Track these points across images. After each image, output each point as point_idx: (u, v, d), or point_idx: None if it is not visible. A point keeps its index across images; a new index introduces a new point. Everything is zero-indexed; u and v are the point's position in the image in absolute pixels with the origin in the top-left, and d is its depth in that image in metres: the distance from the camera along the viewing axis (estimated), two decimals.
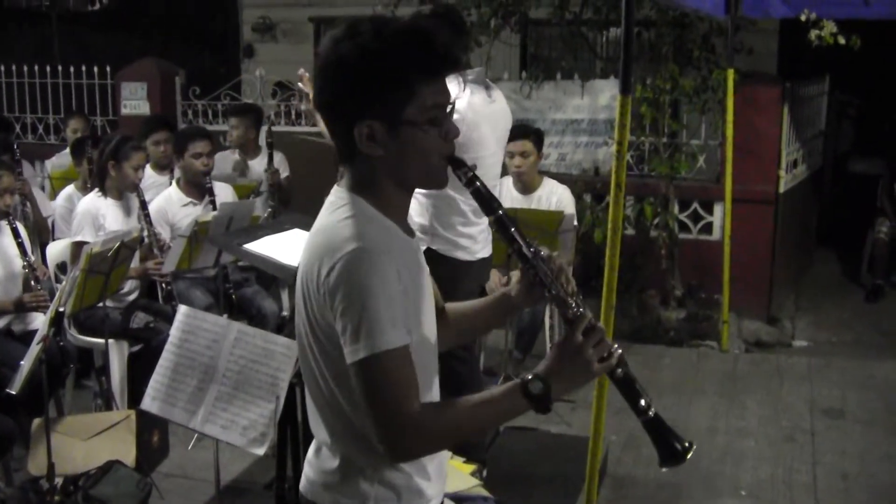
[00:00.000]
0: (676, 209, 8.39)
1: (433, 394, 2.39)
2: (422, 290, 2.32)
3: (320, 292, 2.17)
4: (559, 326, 6.93)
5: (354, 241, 2.14)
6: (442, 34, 2.20)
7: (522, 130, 6.65)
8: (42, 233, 7.25)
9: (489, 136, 4.79)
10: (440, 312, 2.54)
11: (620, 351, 2.35)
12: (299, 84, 4.56)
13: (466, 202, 4.72)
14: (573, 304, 2.33)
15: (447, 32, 2.22)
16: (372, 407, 2.15)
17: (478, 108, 4.64)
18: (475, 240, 4.89)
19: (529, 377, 2.21)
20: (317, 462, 2.38)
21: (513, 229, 2.36)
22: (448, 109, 2.28)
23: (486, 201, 2.36)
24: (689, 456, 2.48)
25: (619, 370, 2.39)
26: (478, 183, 2.33)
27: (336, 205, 2.27)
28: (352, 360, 2.13)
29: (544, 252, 2.41)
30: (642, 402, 2.47)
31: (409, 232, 2.36)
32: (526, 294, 2.54)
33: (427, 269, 2.40)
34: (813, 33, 6.86)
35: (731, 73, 7.65)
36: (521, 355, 6.69)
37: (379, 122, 2.17)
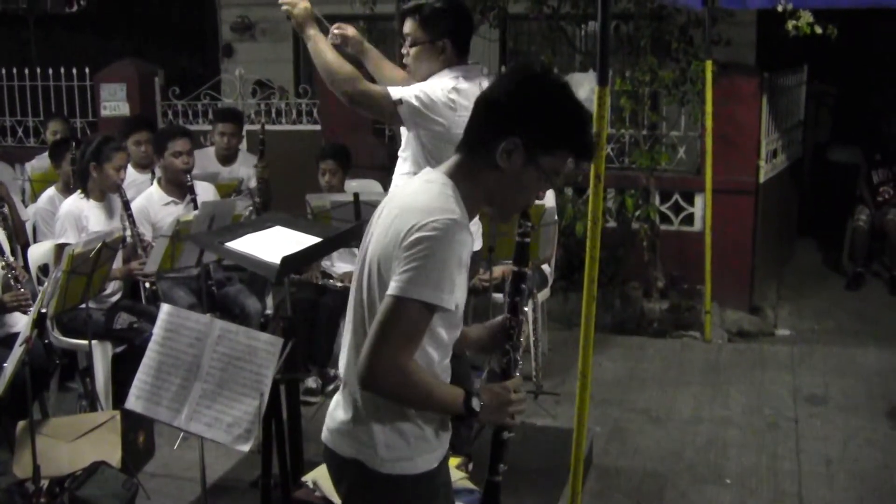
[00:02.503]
0: (657, 201, 8.42)
1: (447, 361, 2.71)
2: (465, 276, 2.61)
3: (403, 239, 2.47)
4: (542, 320, 6.97)
5: (450, 213, 2.48)
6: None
7: None
8: (19, 235, 7.24)
9: None
10: None
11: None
12: (335, 31, 4.77)
13: None
14: (518, 365, 2.79)
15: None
16: (382, 335, 2.45)
17: (472, 99, 4.65)
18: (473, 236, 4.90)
19: (474, 395, 2.60)
20: (337, 413, 2.72)
21: (523, 285, 2.81)
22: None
23: (524, 256, 2.79)
24: None
25: (510, 433, 2.79)
26: (527, 239, 2.77)
27: (436, 182, 2.61)
28: (393, 293, 2.44)
29: (524, 315, 2.80)
30: (502, 466, 2.82)
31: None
32: (491, 340, 2.90)
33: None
34: (790, 23, 6.89)
35: (709, 65, 7.68)
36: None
37: (524, 148, 2.55)
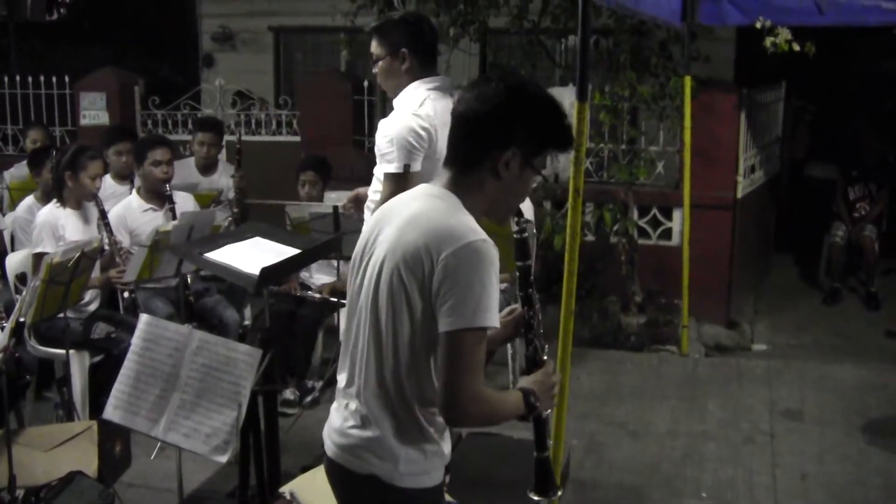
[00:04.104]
0: (636, 215, 8.46)
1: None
2: None
3: (432, 267, 2.54)
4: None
5: (478, 232, 2.58)
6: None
7: None
8: None
9: None
10: None
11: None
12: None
13: None
14: (545, 350, 2.86)
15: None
16: (453, 372, 2.53)
17: (441, 115, 4.66)
18: None
19: (527, 391, 2.72)
20: (348, 430, 2.73)
21: (532, 278, 2.90)
22: None
23: (526, 251, 2.87)
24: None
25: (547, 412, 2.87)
26: (525, 234, 2.87)
27: (442, 198, 2.68)
28: (455, 327, 2.51)
29: (537, 303, 2.91)
30: (549, 441, 2.95)
31: None
32: (514, 330, 2.99)
33: None
34: (768, 40, 6.93)
35: (688, 81, 7.72)
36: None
37: (521, 156, 2.67)
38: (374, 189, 4.55)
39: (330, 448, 2.80)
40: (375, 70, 4.56)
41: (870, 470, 5.80)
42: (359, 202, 4.81)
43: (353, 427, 2.72)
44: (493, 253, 2.56)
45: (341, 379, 2.82)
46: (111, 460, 5.33)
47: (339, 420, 2.78)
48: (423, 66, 4.51)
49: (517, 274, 2.90)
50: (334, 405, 2.86)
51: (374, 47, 4.51)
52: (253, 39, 13.39)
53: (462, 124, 2.72)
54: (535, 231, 6.81)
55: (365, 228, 2.88)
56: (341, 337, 2.91)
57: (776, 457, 5.99)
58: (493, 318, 2.54)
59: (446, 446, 2.79)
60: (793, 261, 10.92)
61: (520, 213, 2.86)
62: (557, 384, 2.84)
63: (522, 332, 2.92)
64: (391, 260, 2.62)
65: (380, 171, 4.39)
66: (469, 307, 2.50)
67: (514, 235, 2.88)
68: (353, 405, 2.73)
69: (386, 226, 2.72)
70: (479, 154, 2.68)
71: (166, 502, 5.19)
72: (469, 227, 2.59)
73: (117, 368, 4.26)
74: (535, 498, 2.91)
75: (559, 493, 2.94)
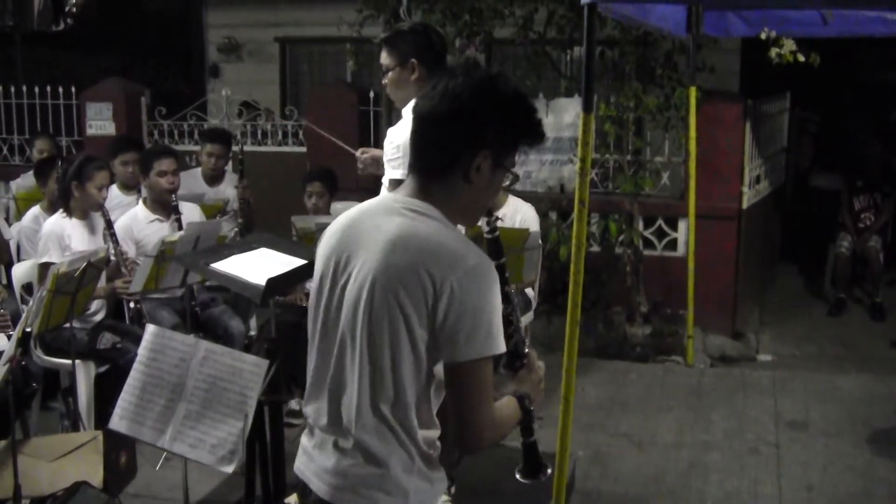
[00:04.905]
0: (641, 226, 8.46)
1: None
2: None
3: (434, 293, 2.41)
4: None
5: (478, 254, 2.47)
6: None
7: None
8: (2, 254, 7.22)
9: None
10: None
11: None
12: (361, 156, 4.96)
13: None
14: (526, 342, 2.81)
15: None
16: (470, 401, 2.46)
17: None
18: None
19: (521, 396, 2.68)
20: (350, 469, 2.56)
21: (507, 275, 2.77)
22: None
23: (499, 249, 2.78)
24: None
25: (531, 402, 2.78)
26: (497, 234, 2.80)
27: (427, 213, 2.53)
28: (467, 358, 2.42)
29: (514, 299, 2.82)
30: (535, 425, 2.85)
31: None
32: None
33: None
34: (773, 51, 6.94)
35: (693, 91, 7.74)
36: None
37: (493, 157, 2.53)
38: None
39: (323, 489, 2.61)
40: (385, 81, 4.59)
41: (875, 481, 5.79)
42: (376, 162, 4.88)
43: (353, 465, 2.55)
44: (494, 270, 2.49)
45: (317, 415, 2.64)
46: (116, 471, 5.33)
47: (330, 459, 2.60)
48: (432, 76, 4.53)
49: (503, 262, 2.79)
50: (313, 442, 2.68)
51: (384, 58, 4.54)
52: (259, 50, 13.41)
53: (428, 126, 2.57)
54: (539, 242, 6.80)
55: (324, 246, 2.67)
56: (309, 368, 2.70)
57: (781, 468, 5.98)
58: (502, 343, 2.47)
59: (446, 468, 2.72)
60: (798, 271, 10.91)
61: (489, 212, 2.78)
62: (543, 375, 2.79)
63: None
64: (383, 284, 2.45)
65: (386, 177, 4.44)
66: (480, 335, 2.41)
67: (486, 235, 2.81)
68: (346, 442, 2.56)
69: (357, 245, 2.55)
70: (448, 159, 2.53)
71: None
72: (467, 245, 2.48)
73: (123, 379, 4.26)
74: (524, 481, 2.89)
75: (549, 471, 2.92)
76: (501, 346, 2.46)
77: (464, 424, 2.47)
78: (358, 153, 5.02)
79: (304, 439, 2.73)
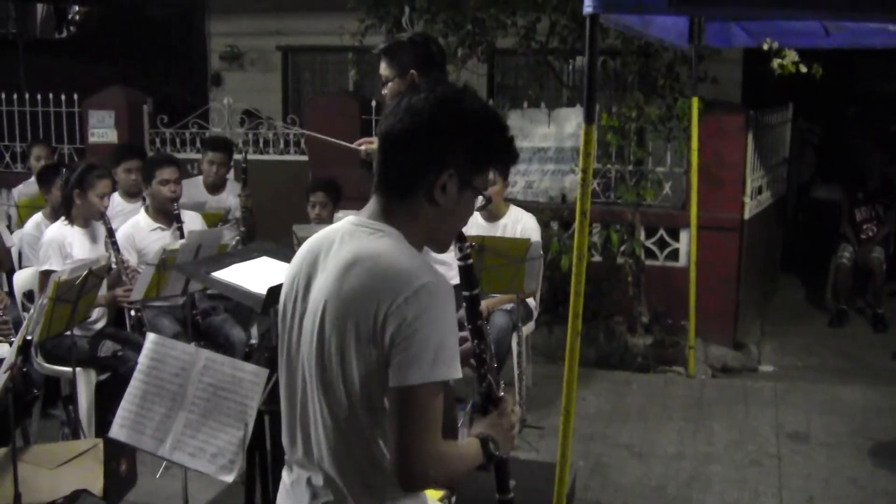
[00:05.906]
0: (643, 236, 8.46)
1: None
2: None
3: (384, 317, 2.25)
4: (526, 354, 6.95)
5: (429, 274, 2.30)
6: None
7: None
8: (4, 262, 7.22)
9: None
10: None
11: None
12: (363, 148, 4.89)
13: None
14: (500, 384, 2.67)
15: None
16: (407, 431, 2.26)
17: None
18: (450, 266, 4.89)
19: (485, 438, 2.50)
20: (317, 500, 2.45)
21: (480, 309, 2.68)
22: None
23: (472, 279, 2.66)
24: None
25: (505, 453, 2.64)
26: (469, 261, 2.66)
27: (384, 234, 2.41)
28: (409, 383, 2.23)
29: (489, 335, 2.72)
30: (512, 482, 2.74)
31: None
32: (464, 362, 2.59)
33: None
34: (775, 62, 6.95)
35: (695, 102, 7.74)
36: None
37: (458, 177, 2.40)
38: None
39: None
40: (385, 91, 4.59)
41: (877, 493, 5.78)
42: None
43: (327, 503, 2.45)
44: (447, 290, 2.30)
45: (292, 450, 2.54)
46: (116, 479, 5.32)
47: (305, 496, 2.49)
48: None
49: (467, 305, 2.68)
50: (291, 479, 2.57)
51: (384, 69, 4.53)
52: (261, 59, 13.42)
53: (390, 144, 2.43)
54: (541, 252, 6.81)
55: (289, 270, 2.58)
56: (282, 398, 2.60)
57: (783, 479, 5.97)
58: (454, 370, 2.27)
59: (426, 497, 2.57)
60: (799, 282, 10.91)
61: (462, 238, 2.64)
62: (517, 423, 2.62)
63: (474, 366, 2.66)
64: (335, 310, 2.34)
65: None
66: (427, 358, 2.22)
67: (458, 263, 2.67)
68: (318, 479, 2.46)
69: (317, 268, 2.45)
70: (411, 178, 2.40)
71: None
72: (418, 266, 2.31)
73: (123, 387, 4.26)
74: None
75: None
76: (454, 373, 2.28)
77: (400, 456, 2.27)
78: (357, 143, 4.98)
79: (284, 474, 2.61)
